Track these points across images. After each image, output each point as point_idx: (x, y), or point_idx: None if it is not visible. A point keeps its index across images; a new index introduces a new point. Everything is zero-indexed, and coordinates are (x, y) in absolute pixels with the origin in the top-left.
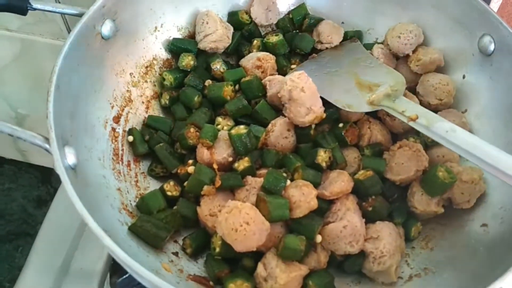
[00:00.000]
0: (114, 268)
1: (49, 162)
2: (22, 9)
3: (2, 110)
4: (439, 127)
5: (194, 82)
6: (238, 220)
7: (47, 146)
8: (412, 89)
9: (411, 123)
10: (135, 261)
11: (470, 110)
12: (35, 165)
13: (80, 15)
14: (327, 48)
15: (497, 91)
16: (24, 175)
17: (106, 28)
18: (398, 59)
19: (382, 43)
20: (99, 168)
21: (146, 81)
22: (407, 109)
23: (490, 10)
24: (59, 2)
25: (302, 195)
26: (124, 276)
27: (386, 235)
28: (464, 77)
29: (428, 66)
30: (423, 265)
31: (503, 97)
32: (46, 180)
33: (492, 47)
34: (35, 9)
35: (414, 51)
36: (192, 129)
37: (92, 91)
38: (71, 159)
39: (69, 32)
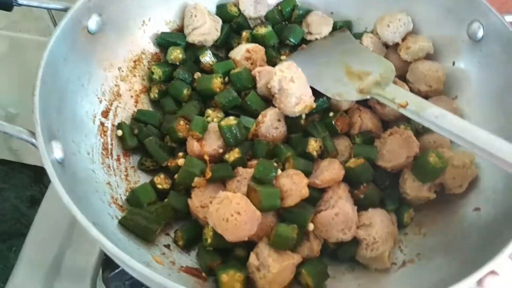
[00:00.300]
0: (106, 262)
1: (41, 161)
2: (7, 5)
3: None
4: (429, 113)
5: (183, 75)
6: (229, 210)
7: (33, 140)
8: (402, 77)
9: (401, 110)
10: (125, 253)
11: (460, 96)
12: (27, 164)
13: (66, 10)
14: (316, 39)
15: (486, 77)
16: (16, 175)
17: (93, 22)
18: (388, 48)
19: (371, 32)
20: (88, 163)
21: (134, 75)
22: (397, 96)
23: None
24: None
25: (293, 184)
26: (116, 271)
27: (378, 221)
28: (454, 63)
29: (418, 53)
30: (416, 251)
31: (493, 82)
32: (39, 180)
33: (481, 33)
34: (20, 4)
35: (403, 40)
36: (182, 122)
37: (79, 85)
38: (58, 153)
39: None
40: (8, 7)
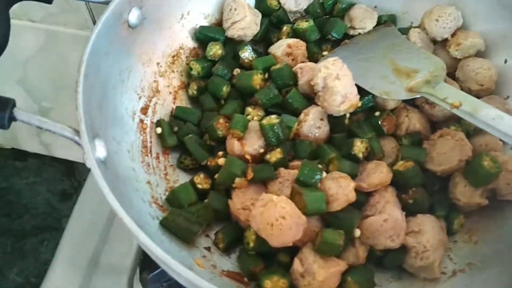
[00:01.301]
0: (144, 263)
1: (73, 155)
2: None
3: (26, 103)
4: (485, 114)
5: (222, 71)
6: (274, 214)
7: (77, 138)
8: (451, 75)
9: (454, 110)
10: (170, 256)
11: None
12: (59, 158)
13: (106, 3)
14: (360, 33)
15: None
16: (48, 169)
17: (133, 16)
18: (436, 44)
19: (418, 27)
20: (128, 161)
21: (173, 71)
22: (449, 96)
23: None
24: None
25: (339, 188)
26: (155, 272)
27: (428, 228)
28: (506, 61)
29: (469, 50)
30: (467, 260)
31: None
32: (71, 174)
33: None
34: None
35: (453, 35)
36: (221, 120)
37: (119, 81)
38: (101, 152)
39: (94, 22)
40: (48, 0)
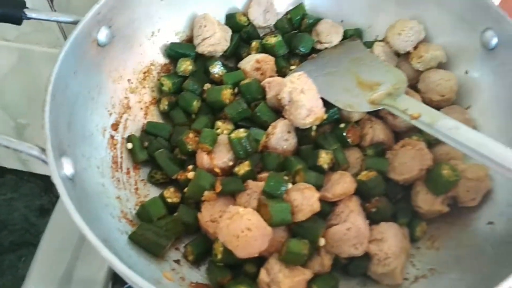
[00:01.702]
0: (116, 277)
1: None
2: (17, 18)
3: (2, 120)
4: (443, 124)
5: (193, 86)
6: (240, 226)
7: (44, 157)
8: (414, 87)
9: (414, 122)
10: (134, 271)
11: (473, 106)
12: (36, 174)
13: (76, 23)
14: (326, 47)
15: (500, 86)
16: (25, 184)
17: (102, 35)
18: (399, 56)
19: (382, 40)
20: (98, 177)
21: (144, 87)
22: (409, 107)
23: (492, 4)
24: (55, 11)
25: (304, 198)
26: (127, 285)
27: (390, 236)
28: (467, 72)
29: (430, 62)
30: (429, 266)
31: (507, 92)
32: (48, 189)
33: (494, 41)
34: (29, 18)
35: (415, 48)
36: (191, 134)
37: (89, 98)
38: (68, 169)
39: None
40: (17, 21)
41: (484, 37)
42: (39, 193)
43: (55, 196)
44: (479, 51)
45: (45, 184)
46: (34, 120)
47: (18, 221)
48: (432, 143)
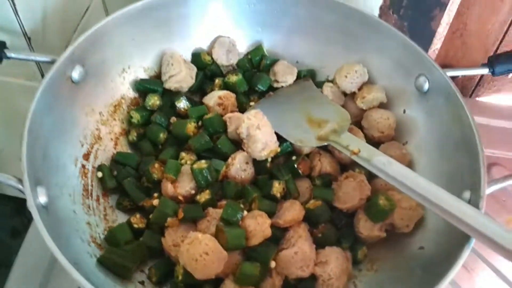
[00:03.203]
0: None
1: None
2: None
3: None
4: (378, 160)
5: (160, 119)
6: (198, 251)
7: (20, 187)
8: (358, 123)
9: (354, 157)
10: None
11: (410, 142)
12: (9, 196)
13: (52, 62)
14: (282, 86)
15: (432, 125)
16: None
17: (76, 73)
18: (346, 96)
19: (331, 81)
20: (69, 204)
21: (114, 119)
22: (351, 144)
23: (424, 53)
24: (32, 49)
25: (257, 225)
26: None
27: (333, 259)
28: (404, 111)
29: (372, 102)
30: (369, 286)
31: (437, 131)
32: (21, 211)
33: (426, 85)
34: (9, 58)
35: (359, 89)
36: (157, 164)
37: (63, 131)
38: (42, 198)
39: (41, 74)
40: None
41: (418, 81)
42: (11, 215)
43: (27, 218)
44: (414, 93)
45: (17, 206)
46: (8, 146)
47: None
48: (373, 175)
